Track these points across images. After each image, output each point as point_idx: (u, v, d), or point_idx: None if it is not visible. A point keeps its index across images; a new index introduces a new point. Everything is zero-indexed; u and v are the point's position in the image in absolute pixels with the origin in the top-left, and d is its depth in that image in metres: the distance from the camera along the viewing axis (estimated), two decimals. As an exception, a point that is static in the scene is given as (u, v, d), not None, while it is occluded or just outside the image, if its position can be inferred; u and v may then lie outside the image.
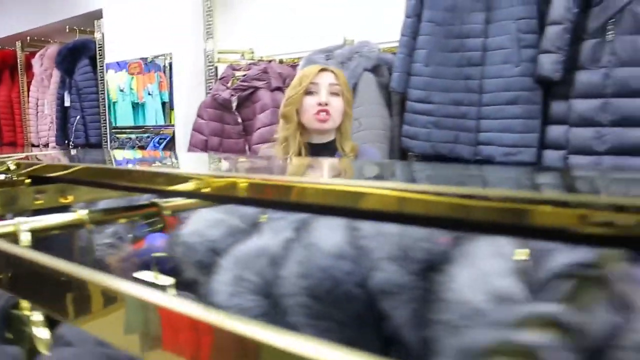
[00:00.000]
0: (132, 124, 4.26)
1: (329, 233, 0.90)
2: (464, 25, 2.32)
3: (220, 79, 3.36)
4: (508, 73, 2.19)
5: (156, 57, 3.94)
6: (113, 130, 4.39)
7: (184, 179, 0.66)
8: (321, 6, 3.24)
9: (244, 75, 3.19)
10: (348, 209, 0.46)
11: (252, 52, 3.53)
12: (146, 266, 0.92)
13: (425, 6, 2.41)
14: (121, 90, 4.26)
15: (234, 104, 3.20)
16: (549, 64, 2.05)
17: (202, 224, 1.08)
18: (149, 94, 4.04)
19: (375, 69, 2.63)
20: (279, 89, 3.12)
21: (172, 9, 3.79)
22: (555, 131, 2.11)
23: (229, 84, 3.25)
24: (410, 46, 2.45)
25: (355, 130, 2.41)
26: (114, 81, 4.30)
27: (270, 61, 3.30)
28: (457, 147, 2.35)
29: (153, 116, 4.04)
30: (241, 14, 3.71)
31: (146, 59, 4.02)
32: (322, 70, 1.88)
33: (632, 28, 1.90)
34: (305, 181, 0.52)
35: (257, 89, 3.14)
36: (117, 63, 4.23)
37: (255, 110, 3.15)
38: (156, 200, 0.99)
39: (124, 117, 4.31)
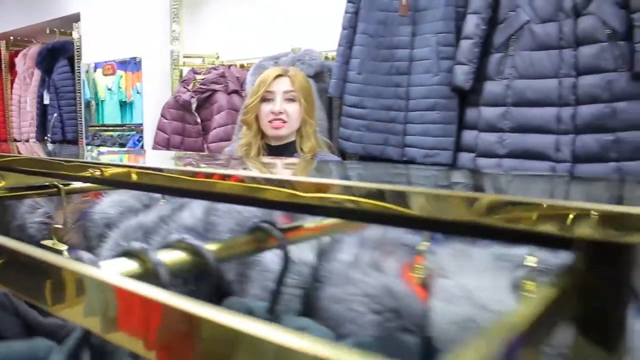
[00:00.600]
0: (119, 122, 4.42)
1: (190, 212, 1.12)
2: (393, 37, 2.52)
3: (182, 81, 3.55)
4: (429, 82, 2.39)
5: (126, 59, 4.13)
6: (97, 128, 4.56)
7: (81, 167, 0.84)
8: (279, 16, 3.45)
9: (203, 79, 3.39)
10: (209, 193, 0.64)
11: (218, 57, 3.73)
12: (54, 236, 1.13)
13: (360, 19, 2.61)
14: (109, 89, 4.43)
15: (194, 105, 3.39)
16: (461, 74, 2.25)
17: (106, 203, 1.31)
18: (138, 92, 4.19)
19: (318, 75, 2.83)
20: (235, 92, 3.32)
21: (141, 14, 3.98)
22: (469, 135, 2.30)
23: (190, 87, 3.45)
24: (346, 55, 2.65)
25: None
26: (102, 80, 4.46)
27: (230, 66, 3.49)
28: (387, 148, 2.55)
29: (140, 114, 4.18)
30: (207, 20, 3.90)
31: (118, 60, 4.21)
32: (279, 76, 1.94)
33: (529, 44, 2.10)
34: (178, 171, 0.70)
35: (215, 91, 3.34)
36: (118, 62, 4.37)
37: (212, 111, 3.34)
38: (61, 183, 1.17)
39: (111, 115, 4.44)
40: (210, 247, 0.70)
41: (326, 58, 2.89)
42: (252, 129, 1.95)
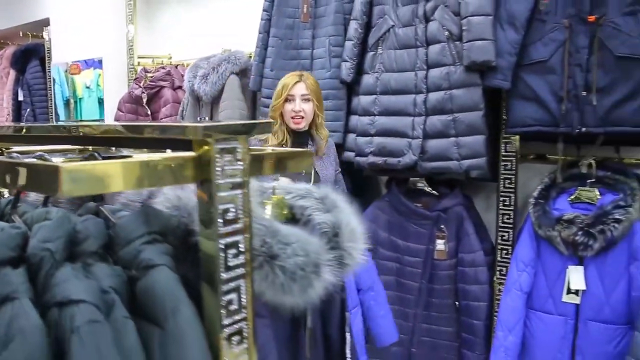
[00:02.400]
0: (97, 118, 4.88)
1: None
2: (298, 40, 3.05)
3: (135, 79, 4.07)
4: (323, 76, 2.91)
5: (91, 59, 4.64)
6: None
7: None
8: (217, 21, 3.96)
9: (152, 76, 3.91)
10: None
11: (170, 57, 4.24)
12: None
13: (272, 25, 3.13)
14: (87, 87, 4.88)
15: (145, 99, 3.91)
16: (345, 69, 2.78)
17: None
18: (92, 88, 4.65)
19: (243, 72, 3.36)
20: (180, 87, 3.84)
21: (103, 18, 4.49)
22: (353, 119, 2.83)
23: (141, 83, 3.97)
24: (261, 55, 3.17)
25: (222, 119, 3.12)
26: (81, 78, 4.86)
27: (177, 65, 4.02)
28: (295, 132, 3.07)
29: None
30: (160, 24, 4.42)
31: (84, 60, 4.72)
32: (297, 82, 2.47)
33: (393, 44, 2.63)
34: None
35: (162, 87, 3.86)
36: (85, 61, 4.80)
37: (160, 104, 3.86)
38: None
39: (90, 112, 4.84)
40: None
41: (250, 57, 3.41)
42: (277, 122, 2.47)
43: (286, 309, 1.27)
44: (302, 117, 2.44)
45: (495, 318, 2.60)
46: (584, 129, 2.31)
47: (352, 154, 2.79)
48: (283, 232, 1.23)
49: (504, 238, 2.66)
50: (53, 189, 0.79)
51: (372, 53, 2.70)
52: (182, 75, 3.88)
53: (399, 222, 2.77)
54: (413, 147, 2.53)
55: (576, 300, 2.42)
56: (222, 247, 1.04)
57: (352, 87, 2.86)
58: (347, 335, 1.63)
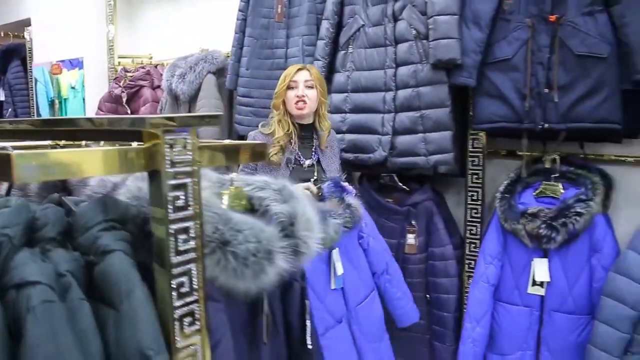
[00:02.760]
0: None
1: None
2: (273, 39, 3.11)
3: (114, 78, 4.12)
4: (297, 75, 2.98)
5: (73, 59, 4.68)
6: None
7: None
8: (196, 22, 4.03)
9: (132, 76, 3.96)
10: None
11: (151, 57, 4.29)
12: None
13: (247, 25, 3.20)
14: (73, 88, 4.90)
15: (124, 99, 3.96)
16: (318, 68, 2.84)
17: None
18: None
19: (220, 71, 3.42)
20: (159, 87, 3.89)
21: (83, 18, 4.54)
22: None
23: (121, 83, 4.01)
24: (237, 55, 3.23)
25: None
26: (66, 78, 4.85)
27: (156, 65, 4.07)
28: (271, 131, 3.13)
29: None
30: (141, 24, 4.47)
31: (65, 60, 4.75)
32: (300, 69, 2.41)
33: (363, 43, 2.70)
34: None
35: (141, 87, 3.91)
36: (70, 61, 4.80)
37: (140, 104, 3.91)
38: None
39: (74, 112, 4.78)
40: None
41: (227, 57, 3.47)
42: (279, 110, 2.41)
43: (241, 294, 1.34)
44: (306, 103, 2.37)
45: (464, 310, 2.68)
46: (546, 125, 2.39)
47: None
48: (235, 219, 1.29)
49: (472, 232, 2.74)
50: (6, 175, 0.86)
51: (343, 52, 2.77)
52: (162, 75, 3.93)
53: (370, 217, 2.84)
54: (383, 143, 2.60)
55: (541, 291, 2.50)
56: (172, 232, 1.10)
57: (324, 86, 2.92)
58: (308, 322, 1.70)
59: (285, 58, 3.04)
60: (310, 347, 1.67)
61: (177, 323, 1.13)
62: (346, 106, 2.73)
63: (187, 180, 1.12)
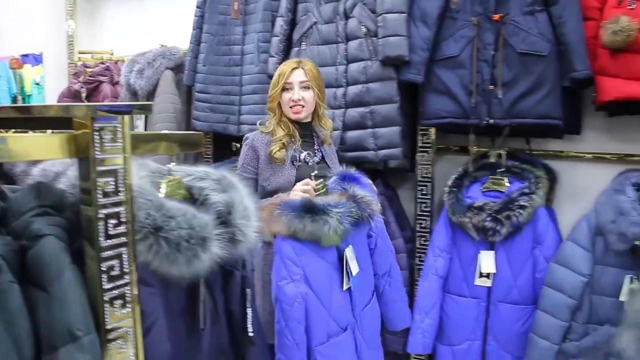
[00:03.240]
0: None
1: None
2: (230, 36, 3.15)
3: (73, 74, 4.12)
4: (252, 71, 3.03)
5: (31, 53, 4.65)
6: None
7: None
8: (159, 17, 4.04)
9: (91, 72, 3.96)
10: None
11: (112, 53, 4.29)
12: None
13: (205, 21, 3.23)
14: (37, 84, 4.83)
15: (84, 95, 3.95)
16: (272, 64, 2.89)
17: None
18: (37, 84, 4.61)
19: (178, 67, 3.45)
20: (118, 82, 3.90)
21: (42, 13, 4.52)
22: (280, 113, 2.95)
23: (80, 78, 4.01)
24: (195, 51, 3.27)
25: (156, 113, 3.22)
26: (30, 75, 4.73)
27: (117, 61, 4.07)
28: (228, 126, 3.17)
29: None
30: (101, 20, 4.47)
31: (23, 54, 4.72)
32: (294, 69, 2.25)
33: (316, 40, 2.76)
34: None
35: (101, 82, 3.91)
36: (34, 57, 4.70)
37: (99, 99, 3.91)
38: None
39: None
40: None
41: (185, 53, 3.50)
42: (275, 114, 2.28)
43: (176, 279, 1.39)
44: (302, 107, 2.25)
45: (414, 302, 2.75)
46: (491, 121, 2.48)
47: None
48: (168, 206, 1.34)
49: (422, 226, 2.82)
50: None
51: (296, 48, 2.82)
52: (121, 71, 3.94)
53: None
54: (333, 138, 2.66)
55: (487, 283, 2.58)
56: (102, 216, 1.15)
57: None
58: (249, 310, 1.74)
59: (242, 54, 3.09)
60: (251, 334, 1.72)
61: (107, 305, 1.17)
62: (302, 101, 2.78)
63: (117, 167, 1.17)
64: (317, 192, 2.03)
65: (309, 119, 2.32)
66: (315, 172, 2.12)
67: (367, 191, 2.02)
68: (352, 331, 2.03)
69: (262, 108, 2.98)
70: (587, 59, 2.35)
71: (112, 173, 1.16)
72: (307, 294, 1.90)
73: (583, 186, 2.65)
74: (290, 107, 2.24)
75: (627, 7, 2.32)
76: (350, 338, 2.02)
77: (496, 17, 2.44)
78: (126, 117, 1.17)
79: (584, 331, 2.30)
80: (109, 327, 1.17)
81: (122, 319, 1.20)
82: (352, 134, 2.63)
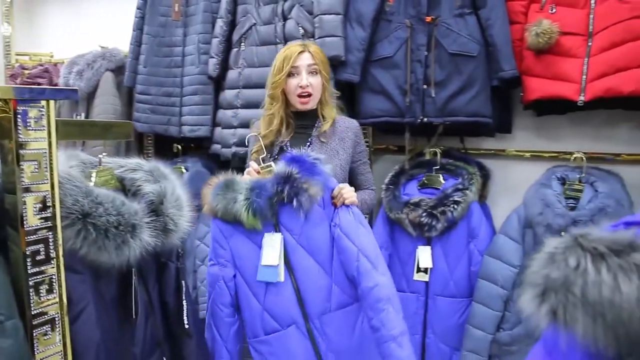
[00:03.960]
0: None
1: None
2: (171, 38, 3.16)
3: (10, 75, 4.04)
4: (193, 72, 3.03)
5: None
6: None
7: None
8: (100, 18, 4.01)
9: (29, 73, 3.90)
10: None
11: (52, 55, 4.23)
12: None
13: (145, 23, 3.23)
14: None
15: (21, 98, 3.88)
16: (212, 65, 2.91)
17: None
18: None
19: (119, 69, 3.43)
20: (57, 84, 3.85)
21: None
22: (220, 113, 2.98)
23: (18, 80, 3.94)
24: (135, 52, 3.26)
25: (96, 115, 3.19)
26: None
27: (56, 64, 4.02)
28: (169, 128, 3.16)
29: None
30: (40, 22, 4.40)
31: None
32: (301, 51, 2.07)
33: (255, 41, 2.79)
34: None
35: (39, 84, 3.85)
36: None
37: (37, 102, 3.85)
38: None
39: None
40: None
41: (126, 55, 3.49)
42: (278, 102, 2.10)
43: (106, 267, 1.40)
44: (310, 95, 2.08)
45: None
46: (425, 119, 2.56)
47: (218, 146, 2.93)
48: (96, 193, 1.35)
49: (362, 223, 2.87)
50: None
51: (235, 49, 2.85)
52: (59, 72, 3.89)
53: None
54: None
55: (425, 278, 2.65)
56: (26, 200, 1.16)
57: (219, 83, 3.00)
58: (184, 302, 1.76)
59: (182, 56, 3.09)
60: (187, 326, 1.74)
61: (32, 290, 1.18)
62: (238, 102, 2.81)
63: (42, 150, 1.18)
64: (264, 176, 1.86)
65: (311, 107, 2.14)
66: (264, 154, 2.03)
67: (313, 175, 1.76)
68: (302, 334, 1.83)
69: (203, 109, 3.00)
70: (513, 60, 2.46)
71: (36, 156, 1.17)
72: (237, 280, 1.86)
73: (515, 182, 2.75)
74: (298, 96, 2.07)
75: (549, 12, 2.45)
76: (299, 341, 1.83)
77: (428, 19, 2.53)
78: (52, 102, 1.19)
79: (517, 320, 2.38)
80: (34, 312, 1.18)
81: (48, 304, 1.21)
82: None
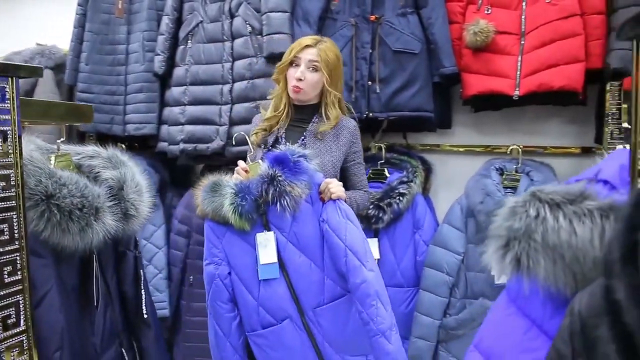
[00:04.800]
0: None
1: None
2: (114, 35, 3.10)
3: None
4: (138, 70, 2.98)
5: None
6: None
7: None
8: (35, 17, 3.89)
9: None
10: None
11: (-16, 55, 4.06)
12: None
13: (87, 20, 3.15)
14: None
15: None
16: (158, 62, 2.88)
17: None
18: None
19: (58, 67, 3.34)
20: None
21: None
22: (166, 111, 2.95)
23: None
24: (76, 50, 3.17)
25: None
26: None
27: (-11, 63, 3.85)
28: (113, 126, 3.09)
29: None
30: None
31: None
32: (308, 46, 2.08)
33: (202, 38, 2.79)
34: None
35: (-29, 85, 3.69)
36: None
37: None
38: None
39: None
40: None
41: (66, 53, 3.39)
42: (281, 86, 2.15)
43: (69, 250, 1.37)
44: (301, 88, 2.07)
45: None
46: (370, 114, 2.63)
47: (165, 144, 2.89)
48: (60, 174, 1.33)
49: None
50: None
51: (182, 47, 2.83)
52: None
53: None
54: (220, 133, 2.69)
55: (374, 269, 2.70)
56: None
57: (165, 80, 2.98)
58: (143, 292, 1.74)
59: (126, 54, 3.04)
60: (145, 316, 1.72)
61: (-5, 271, 1.15)
62: (185, 99, 2.79)
63: (6, 128, 1.16)
64: (253, 173, 1.90)
65: (310, 102, 2.14)
66: (251, 153, 2.04)
67: (297, 175, 1.79)
68: (297, 327, 1.86)
69: (148, 107, 2.96)
70: (453, 57, 2.56)
71: (1, 134, 1.15)
72: (232, 277, 1.89)
73: (454, 175, 2.86)
74: (293, 85, 2.08)
75: (485, 12, 2.57)
76: (295, 334, 1.86)
77: (373, 18, 2.60)
78: (14, 79, 1.17)
79: (462, 305, 2.46)
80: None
81: (12, 286, 1.18)
82: (239, 129, 2.67)
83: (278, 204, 1.78)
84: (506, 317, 0.96)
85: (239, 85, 2.67)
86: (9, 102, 1.17)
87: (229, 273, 1.91)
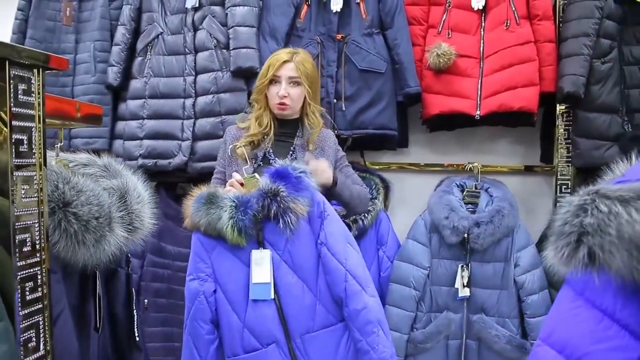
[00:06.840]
0: None
1: None
2: (60, 44, 2.86)
3: None
4: (88, 81, 2.74)
5: None
6: None
7: None
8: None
9: None
10: None
11: None
12: None
13: (29, 26, 2.87)
14: None
15: None
16: (112, 74, 2.66)
17: None
18: None
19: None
20: None
21: None
22: (120, 125, 2.73)
23: None
24: (16, 58, 2.91)
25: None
26: None
27: None
28: (57, 140, 2.85)
29: None
30: None
31: None
32: (285, 62, 2.05)
33: (162, 50, 2.62)
34: None
35: None
36: None
37: None
38: None
39: None
40: None
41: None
42: (260, 106, 2.10)
43: (77, 267, 1.20)
44: (287, 105, 2.06)
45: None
46: (337, 131, 2.58)
47: (119, 160, 2.70)
48: (74, 180, 1.17)
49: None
50: None
51: (140, 58, 2.64)
52: None
53: (168, 227, 2.70)
54: (183, 148, 2.54)
55: (337, 286, 2.63)
56: (15, 180, 0.97)
57: (118, 93, 2.78)
58: (135, 313, 1.57)
59: (74, 64, 2.81)
60: (137, 339, 1.55)
61: (19, 288, 0.98)
62: (144, 112, 2.60)
63: (31, 124, 1.00)
64: (248, 187, 1.78)
65: (294, 116, 2.13)
66: (247, 166, 1.95)
67: (299, 191, 1.69)
68: (283, 354, 1.71)
69: (100, 120, 2.74)
70: (417, 77, 2.58)
71: (26, 130, 1.00)
72: (217, 295, 1.72)
73: (410, 193, 2.87)
74: (277, 103, 2.06)
75: (446, 36, 2.62)
76: None
77: (339, 37, 2.57)
78: (42, 71, 1.02)
79: (428, 319, 2.44)
80: (21, 314, 0.98)
81: (32, 304, 1.01)
82: (203, 144, 2.53)
83: (280, 220, 1.66)
84: (574, 309, 0.97)
85: (202, 100, 2.54)
86: (33, 96, 1.02)
87: (214, 291, 1.74)
